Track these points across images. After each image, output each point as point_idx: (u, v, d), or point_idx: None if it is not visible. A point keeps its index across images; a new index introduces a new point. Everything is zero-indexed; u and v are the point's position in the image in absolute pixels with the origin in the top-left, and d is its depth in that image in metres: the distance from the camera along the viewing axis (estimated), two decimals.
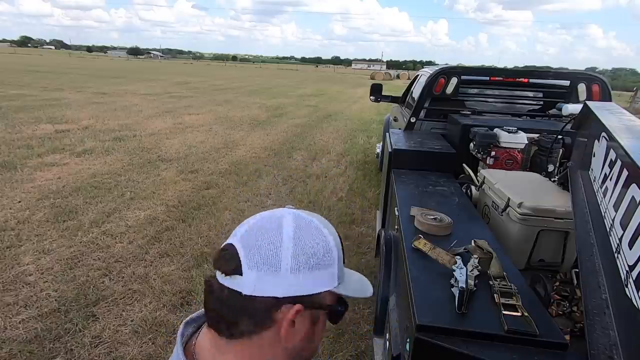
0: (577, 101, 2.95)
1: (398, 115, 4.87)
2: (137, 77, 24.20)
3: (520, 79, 3.32)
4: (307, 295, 0.51)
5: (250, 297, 0.49)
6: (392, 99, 5.25)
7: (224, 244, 0.53)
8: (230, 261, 0.50)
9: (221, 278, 0.51)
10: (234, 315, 0.51)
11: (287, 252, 0.50)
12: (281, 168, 5.88)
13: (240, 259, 0.50)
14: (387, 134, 3.13)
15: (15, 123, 7.77)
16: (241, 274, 0.49)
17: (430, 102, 3.42)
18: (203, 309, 0.56)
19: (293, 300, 0.50)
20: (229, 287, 0.50)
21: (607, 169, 1.07)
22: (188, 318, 0.60)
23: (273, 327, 0.51)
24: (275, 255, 0.49)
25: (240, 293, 0.49)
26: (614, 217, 0.91)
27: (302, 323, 0.53)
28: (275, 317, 0.51)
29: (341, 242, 0.57)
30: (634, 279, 0.72)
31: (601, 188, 1.10)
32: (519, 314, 1.00)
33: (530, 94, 3.65)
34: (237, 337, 0.52)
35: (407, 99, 4.68)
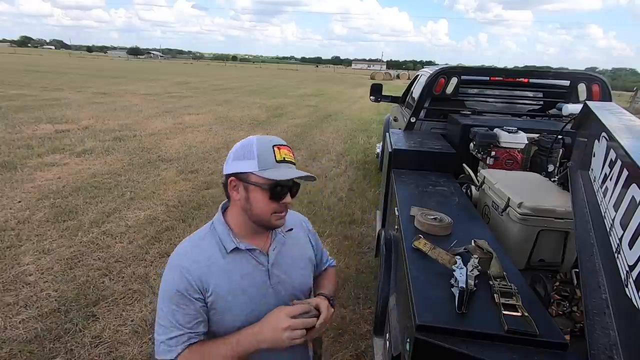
0: (577, 101, 2.95)
1: (398, 115, 4.87)
2: (137, 77, 24.21)
3: (520, 79, 3.32)
4: (236, 172, 0.91)
5: (225, 177, 0.95)
6: (392, 99, 5.24)
7: None
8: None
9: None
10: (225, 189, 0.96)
11: (233, 152, 0.93)
12: None
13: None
14: (387, 134, 3.12)
15: (15, 123, 7.78)
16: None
17: (430, 102, 3.41)
18: None
19: (231, 176, 0.92)
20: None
21: (607, 169, 1.07)
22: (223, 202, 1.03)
23: (231, 195, 0.95)
24: (229, 154, 0.94)
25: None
26: (614, 217, 0.91)
27: (240, 191, 0.92)
28: (229, 188, 0.94)
29: (277, 150, 0.91)
30: (634, 279, 0.72)
31: (601, 188, 1.10)
32: (519, 314, 0.99)
33: (530, 94, 3.65)
34: (229, 203, 0.99)
35: (407, 99, 4.68)
